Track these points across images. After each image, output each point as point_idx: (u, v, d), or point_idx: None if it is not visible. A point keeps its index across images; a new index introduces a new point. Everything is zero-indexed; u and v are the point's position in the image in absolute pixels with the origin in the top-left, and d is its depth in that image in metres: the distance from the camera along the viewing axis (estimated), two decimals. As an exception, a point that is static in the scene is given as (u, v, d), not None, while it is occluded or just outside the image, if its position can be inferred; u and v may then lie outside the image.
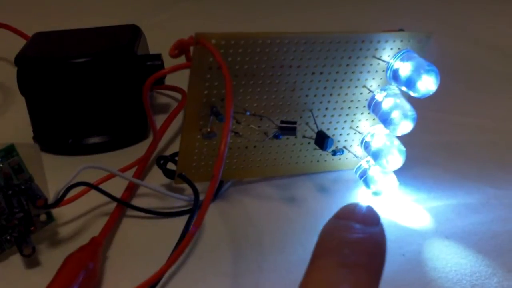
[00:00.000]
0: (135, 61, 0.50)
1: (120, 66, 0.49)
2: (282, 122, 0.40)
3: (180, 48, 0.37)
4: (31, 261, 0.38)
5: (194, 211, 0.40)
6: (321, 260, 0.27)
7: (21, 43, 0.54)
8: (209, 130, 0.38)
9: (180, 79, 0.45)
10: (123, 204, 0.42)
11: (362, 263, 0.26)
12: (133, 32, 0.53)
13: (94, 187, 0.40)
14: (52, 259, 0.37)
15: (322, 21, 0.84)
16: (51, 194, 0.38)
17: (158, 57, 0.51)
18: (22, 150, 0.38)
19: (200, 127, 0.40)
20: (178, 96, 0.59)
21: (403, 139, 0.42)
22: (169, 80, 0.56)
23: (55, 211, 0.40)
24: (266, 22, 0.84)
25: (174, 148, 0.46)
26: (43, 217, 0.39)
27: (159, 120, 0.52)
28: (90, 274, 0.35)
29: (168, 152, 0.49)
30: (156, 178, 0.45)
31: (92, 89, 0.49)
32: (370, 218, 0.28)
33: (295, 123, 0.40)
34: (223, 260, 0.38)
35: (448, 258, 0.37)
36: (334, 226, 0.28)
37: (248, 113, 0.40)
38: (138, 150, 0.49)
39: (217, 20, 0.86)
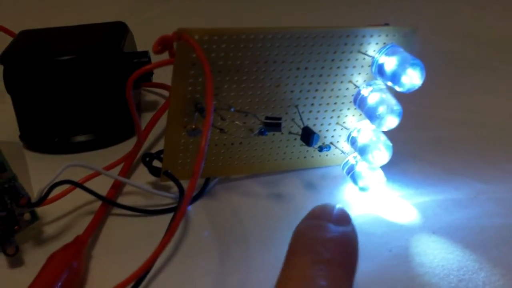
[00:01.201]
0: (121, 58, 0.49)
1: (106, 63, 0.49)
2: (267, 118, 0.40)
3: (163, 44, 0.36)
4: (15, 260, 0.37)
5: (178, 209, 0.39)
6: (296, 258, 0.28)
7: (7, 41, 0.53)
8: (193, 127, 0.38)
9: (168, 76, 0.45)
10: (108, 202, 0.41)
11: (336, 260, 0.27)
12: (119, 29, 0.53)
13: (79, 185, 0.40)
14: (36, 259, 0.37)
15: (314, 17, 0.84)
16: (35, 193, 0.38)
17: (145, 54, 0.51)
18: (5, 148, 0.37)
19: (185, 124, 0.39)
20: (166, 93, 0.58)
21: (390, 134, 0.42)
22: (157, 77, 0.56)
23: (40, 210, 0.39)
24: (258, 18, 0.84)
25: (162, 145, 0.46)
26: (27, 216, 0.39)
27: (147, 117, 0.52)
28: (74, 273, 0.35)
29: (155, 149, 0.48)
30: (143, 175, 0.45)
31: (78, 86, 0.48)
32: (342, 218, 0.29)
33: (280, 119, 0.40)
34: (209, 258, 0.37)
35: (435, 253, 0.37)
36: (307, 225, 0.30)
37: (232, 109, 0.39)
38: (125, 148, 0.49)
39: (209, 16, 0.85)
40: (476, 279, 0.35)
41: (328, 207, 0.30)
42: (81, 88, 0.49)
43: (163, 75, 0.46)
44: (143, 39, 0.58)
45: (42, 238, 0.40)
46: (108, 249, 0.39)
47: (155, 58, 0.39)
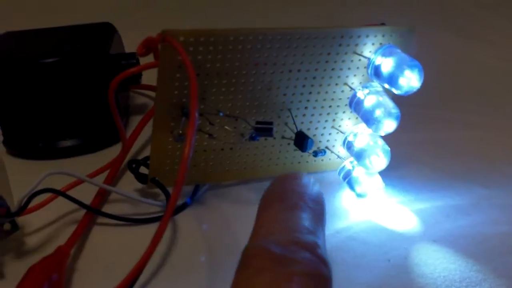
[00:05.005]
0: (108, 60, 0.48)
1: (91, 65, 0.47)
2: (257, 122, 0.38)
3: (147, 46, 0.35)
4: (-6, 273, 0.36)
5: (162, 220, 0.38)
6: (268, 208, 0.28)
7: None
8: (180, 132, 0.36)
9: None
10: (92, 211, 0.40)
11: (310, 205, 0.27)
12: (106, 30, 0.51)
13: (61, 193, 0.38)
14: (17, 271, 0.35)
15: (309, 17, 0.83)
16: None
17: (133, 56, 0.49)
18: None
19: (171, 129, 0.38)
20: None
21: (388, 138, 0.41)
22: (147, 79, 0.54)
23: (21, 220, 0.38)
24: (253, 19, 0.82)
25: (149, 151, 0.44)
26: (7, 226, 0.37)
27: (137, 121, 0.50)
28: (54, 286, 0.33)
29: (144, 155, 0.47)
30: (130, 183, 0.43)
31: (63, 90, 0.47)
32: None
33: (271, 123, 0.38)
34: (198, 269, 0.36)
35: (436, 263, 0.36)
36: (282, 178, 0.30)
37: (221, 114, 0.38)
38: (114, 153, 0.47)
39: (201, 17, 0.84)
40: (480, 290, 0.33)
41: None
42: (66, 92, 0.47)
43: (154, 76, 0.44)
44: (134, 41, 0.57)
45: (23, 250, 0.38)
46: (93, 261, 0.37)
47: (145, 60, 0.38)
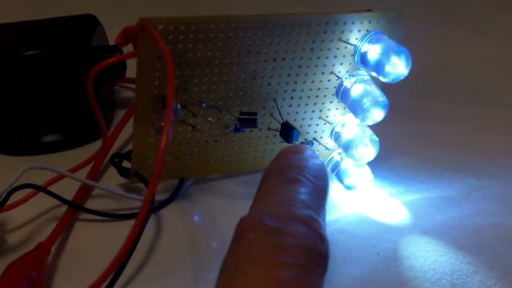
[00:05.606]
0: (90, 52, 0.47)
1: (73, 58, 0.46)
2: (241, 113, 0.37)
3: (126, 36, 0.34)
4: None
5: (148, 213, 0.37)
6: (268, 181, 0.29)
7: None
8: (162, 124, 0.35)
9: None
10: (74, 206, 0.39)
11: (310, 179, 0.28)
12: (88, 22, 0.50)
13: (41, 188, 0.37)
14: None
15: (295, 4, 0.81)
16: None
17: (116, 48, 0.48)
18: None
19: (153, 121, 0.37)
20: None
21: (376, 128, 0.40)
22: (133, 72, 0.53)
23: (1, 216, 0.37)
24: (249, 8, 0.81)
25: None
26: (-14, 223, 0.36)
27: (122, 115, 0.50)
28: (34, 284, 0.32)
29: (128, 149, 0.46)
30: (114, 177, 0.42)
31: (44, 83, 0.46)
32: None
33: (255, 114, 0.37)
34: (183, 266, 0.35)
35: (427, 255, 0.35)
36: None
37: (204, 105, 0.37)
38: (97, 148, 0.46)
39: (192, 8, 0.83)
40: (471, 283, 0.33)
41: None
42: (47, 85, 0.46)
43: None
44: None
45: (3, 247, 0.37)
46: (75, 258, 0.36)
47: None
